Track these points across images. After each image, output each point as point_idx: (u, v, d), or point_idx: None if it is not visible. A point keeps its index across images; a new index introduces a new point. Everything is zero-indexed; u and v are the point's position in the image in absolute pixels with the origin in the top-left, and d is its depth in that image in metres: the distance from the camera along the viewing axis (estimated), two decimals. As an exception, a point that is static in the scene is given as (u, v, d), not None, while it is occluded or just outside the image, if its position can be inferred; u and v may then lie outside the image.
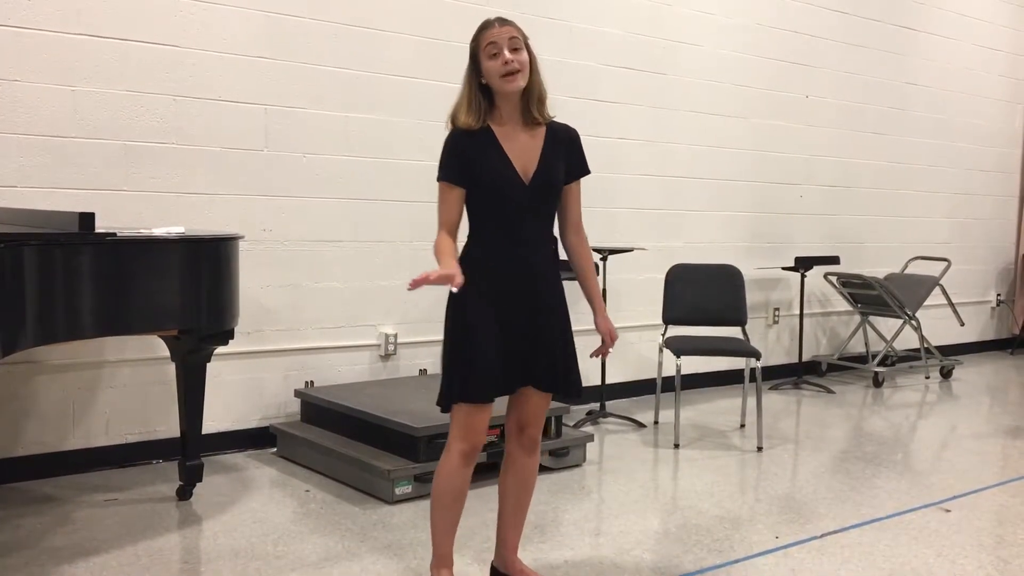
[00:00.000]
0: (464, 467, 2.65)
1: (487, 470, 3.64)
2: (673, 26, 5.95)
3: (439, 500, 2.69)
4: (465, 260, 2.60)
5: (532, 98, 2.63)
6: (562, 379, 2.70)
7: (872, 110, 7.24)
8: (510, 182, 2.60)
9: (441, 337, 2.68)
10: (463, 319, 2.60)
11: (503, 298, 2.61)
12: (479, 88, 2.61)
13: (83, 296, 3.11)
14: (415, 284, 2.24)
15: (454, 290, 2.36)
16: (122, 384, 4.15)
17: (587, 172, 2.76)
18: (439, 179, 2.63)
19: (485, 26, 2.61)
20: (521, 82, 2.57)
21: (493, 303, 2.60)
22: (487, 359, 2.57)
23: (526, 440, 2.78)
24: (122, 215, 4.07)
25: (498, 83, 2.57)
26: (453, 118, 2.64)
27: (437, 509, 2.70)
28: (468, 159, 2.59)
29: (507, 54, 2.54)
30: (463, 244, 2.66)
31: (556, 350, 2.68)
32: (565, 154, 2.70)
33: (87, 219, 3.08)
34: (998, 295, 8.63)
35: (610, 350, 2.81)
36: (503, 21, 2.60)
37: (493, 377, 2.59)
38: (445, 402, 2.65)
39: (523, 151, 2.63)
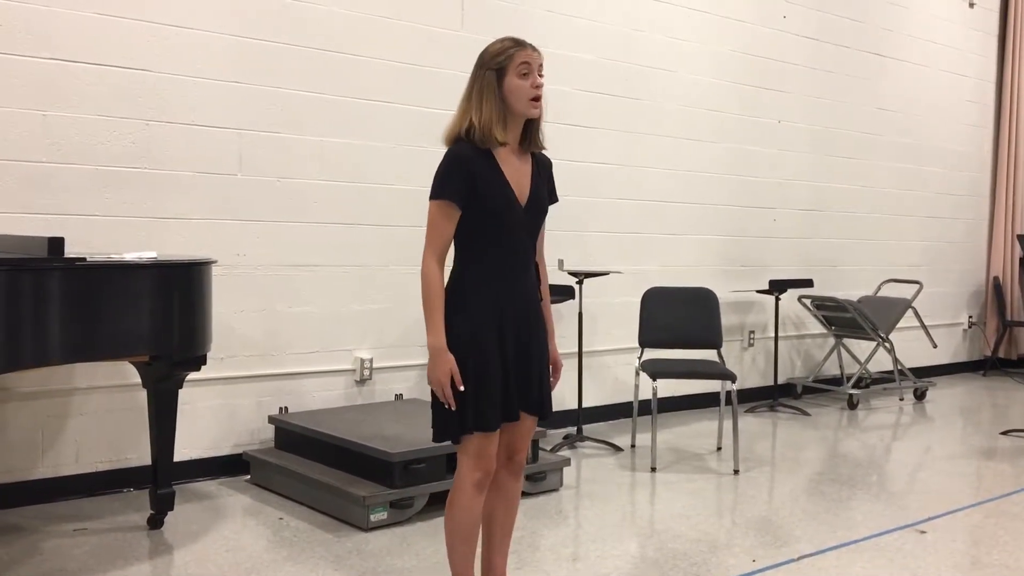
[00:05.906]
0: (479, 495, 2.63)
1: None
2: (646, 52, 6.01)
3: (461, 534, 2.63)
4: (460, 285, 2.57)
5: (537, 126, 2.63)
6: (548, 402, 2.73)
7: (843, 135, 7.33)
8: (511, 205, 2.56)
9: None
10: (471, 347, 2.53)
11: (503, 323, 2.57)
12: (502, 103, 2.54)
13: (52, 322, 3.07)
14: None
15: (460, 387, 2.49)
16: (92, 411, 4.09)
17: (557, 200, 2.79)
18: (439, 197, 2.49)
19: (517, 44, 2.54)
20: (542, 109, 2.58)
21: (494, 328, 2.56)
22: (497, 385, 2.56)
23: (515, 466, 2.77)
24: (94, 240, 4.03)
25: (524, 105, 2.53)
26: (473, 133, 2.51)
27: (460, 542, 2.64)
28: (473, 179, 2.50)
29: (539, 78, 2.55)
30: (449, 269, 2.58)
31: (544, 374, 2.71)
32: (547, 181, 2.72)
33: (56, 244, 3.05)
34: (970, 317, 8.72)
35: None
36: (533, 46, 2.57)
37: (500, 403, 2.57)
38: (455, 433, 2.57)
39: (518, 174, 2.60)
